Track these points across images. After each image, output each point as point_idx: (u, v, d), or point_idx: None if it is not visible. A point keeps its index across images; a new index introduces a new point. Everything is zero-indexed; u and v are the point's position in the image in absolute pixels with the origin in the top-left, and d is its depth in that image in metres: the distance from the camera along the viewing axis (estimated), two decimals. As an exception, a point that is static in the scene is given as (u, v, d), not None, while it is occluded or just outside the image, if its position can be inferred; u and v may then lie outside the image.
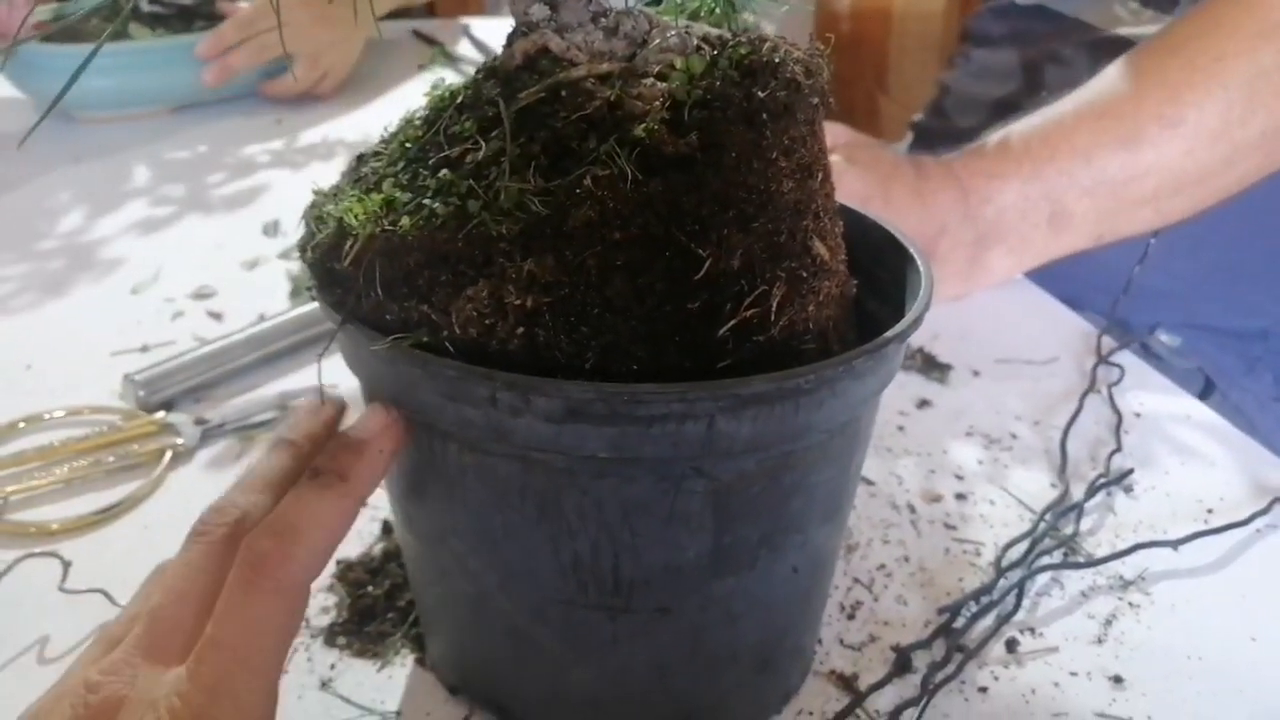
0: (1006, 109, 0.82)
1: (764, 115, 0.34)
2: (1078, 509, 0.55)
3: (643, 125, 0.33)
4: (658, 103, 0.33)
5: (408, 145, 0.37)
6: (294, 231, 0.83)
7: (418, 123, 0.38)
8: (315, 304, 0.44)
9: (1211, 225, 0.78)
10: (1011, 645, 0.47)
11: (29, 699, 0.33)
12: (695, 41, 0.36)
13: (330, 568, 0.49)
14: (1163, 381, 0.68)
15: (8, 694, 0.43)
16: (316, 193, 0.39)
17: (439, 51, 1.31)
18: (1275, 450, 0.62)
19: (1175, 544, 0.52)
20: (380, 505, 0.53)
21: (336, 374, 0.40)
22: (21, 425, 0.61)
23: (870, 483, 0.57)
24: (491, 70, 0.37)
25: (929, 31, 2.15)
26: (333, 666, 0.45)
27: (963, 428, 0.62)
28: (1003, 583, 0.50)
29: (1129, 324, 0.81)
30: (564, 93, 0.34)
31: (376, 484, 0.35)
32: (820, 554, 0.40)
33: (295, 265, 0.80)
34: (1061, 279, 0.79)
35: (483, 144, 0.34)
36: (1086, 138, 0.72)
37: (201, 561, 0.33)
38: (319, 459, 0.34)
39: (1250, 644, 0.47)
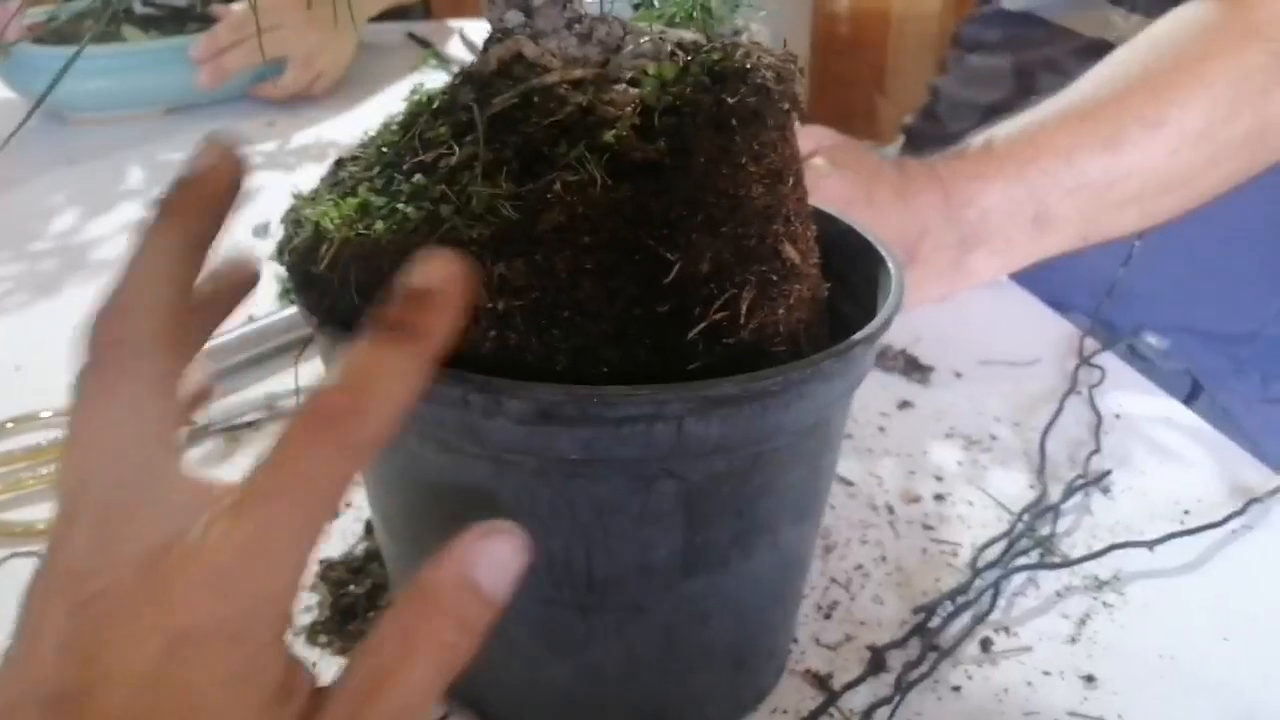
0: (998, 114, 0.82)
1: (733, 121, 0.34)
2: (1055, 510, 0.55)
3: (613, 131, 0.33)
4: (629, 109, 0.34)
5: (384, 150, 0.37)
6: (284, 233, 0.83)
7: (395, 127, 0.38)
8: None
9: (1198, 226, 0.78)
10: (986, 645, 0.47)
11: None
12: (669, 47, 0.37)
13: (312, 567, 0.50)
14: (1144, 383, 0.69)
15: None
16: (295, 196, 0.40)
17: (430, 54, 1.31)
18: (1262, 452, 0.62)
19: (1151, 544, 0.52)
20: (363, 505, 0.53)
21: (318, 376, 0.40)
22: (10, 426, 0.61)
23: (849, 483, 0.58)
24: (468, 75, 0.38)
25: (927, 34, 2.16)
26: (314, 665, 0.45)
27: (943, 429, 0.63)
28: (978, 583, 0.50)
29: (1114, 326, 0.81)
30: (537, 98, 0.35)
31: (450, 341, 0.29)
32: (792, 554, 0.41)
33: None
34: (1046, 281, 0.79)
35: (456, 149, 0.35)
36: (1069, 139, 0.71)
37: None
38: (389, 311, 0.29)
39: (1223, 644, 0.48)
